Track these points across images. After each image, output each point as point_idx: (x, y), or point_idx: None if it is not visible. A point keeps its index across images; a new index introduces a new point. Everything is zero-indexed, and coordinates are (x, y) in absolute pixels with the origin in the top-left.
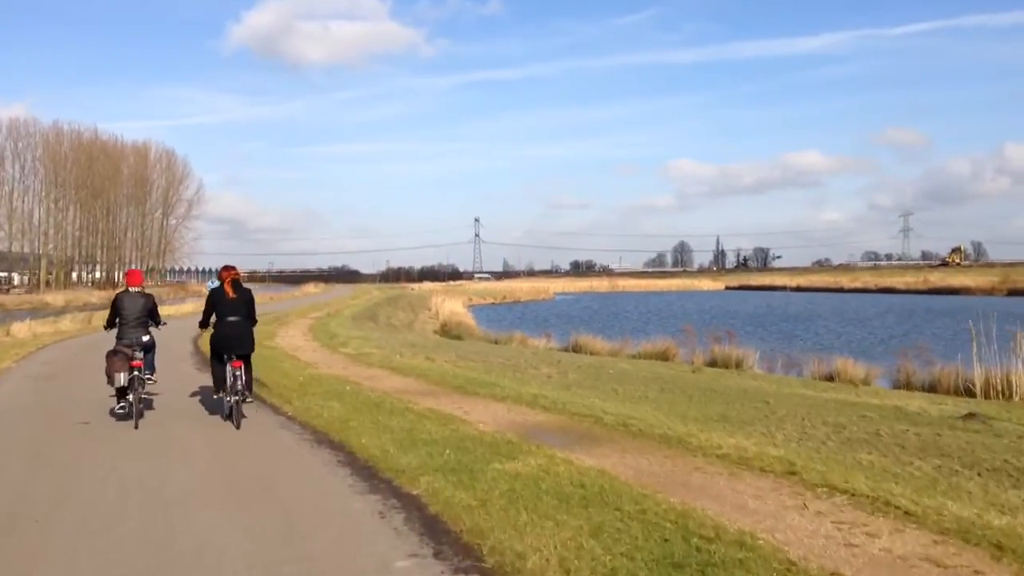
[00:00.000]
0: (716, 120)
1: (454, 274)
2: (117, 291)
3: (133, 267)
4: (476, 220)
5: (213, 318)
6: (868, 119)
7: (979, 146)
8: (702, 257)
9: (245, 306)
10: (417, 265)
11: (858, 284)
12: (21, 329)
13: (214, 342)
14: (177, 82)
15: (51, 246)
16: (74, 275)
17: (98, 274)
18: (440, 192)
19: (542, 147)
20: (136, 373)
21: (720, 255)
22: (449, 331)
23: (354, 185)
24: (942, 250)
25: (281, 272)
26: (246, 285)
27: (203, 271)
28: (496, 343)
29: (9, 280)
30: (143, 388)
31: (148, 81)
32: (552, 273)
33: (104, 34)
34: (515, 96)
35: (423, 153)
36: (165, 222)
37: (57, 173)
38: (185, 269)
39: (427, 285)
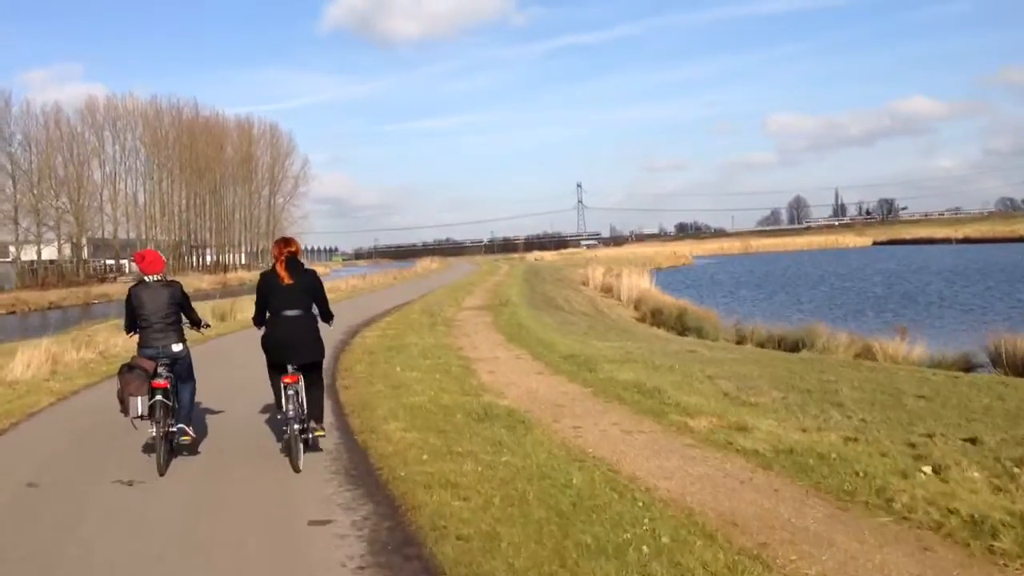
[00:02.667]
0: (815, 71)
1: (560, 241)
2: (131, 284)
3: (149, 248)
4: (578, 186)
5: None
6: (979, 60)
7: None
8: (818, 212)
9: (307, 295)
10: (520, 234)
11: None
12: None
13: (266, 348)
14: (275, 65)
15: (157, 230)
16: (193, 259)
17: (208, 258)
18: (537, 160)
19: (636, 109)
20: (159, 397)
21: (840, 209)
22: (664, 319)
23: (451, 158)
24: None
25: (387, 248)
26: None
27: (312, 251)
28: (805, 348)
29: (118, 267)
30: (171, 420)
31: (246, 65)
32: (661, 236)
33: (201, 20)
34: (606, 60)
35: (518, 123)
36: (272, 200)
37: (159, 152)
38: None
39: (540, 254)
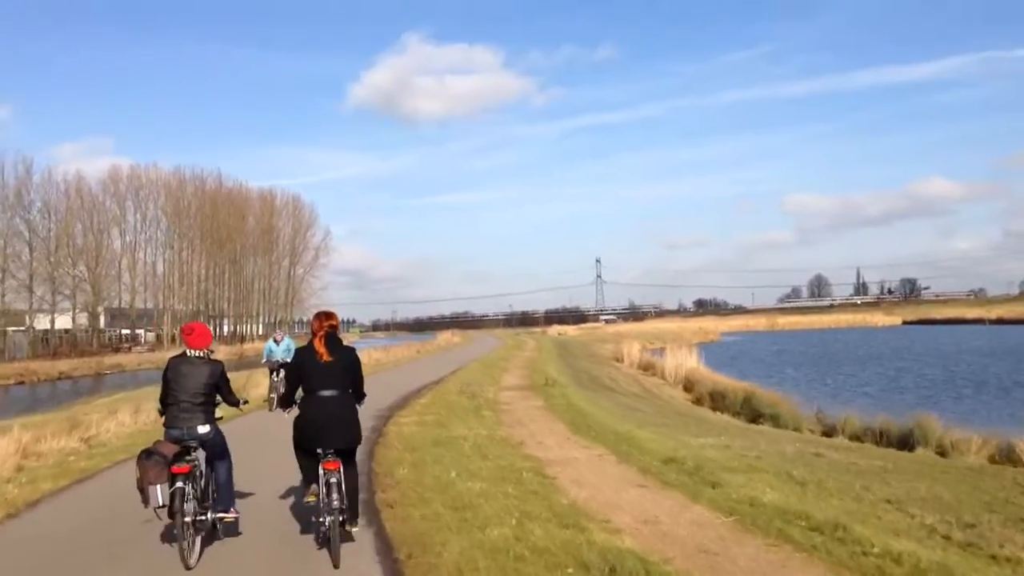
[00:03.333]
0: (834, 152)
1: (579, 316)
2: (171, 355)
3: (199, 321)
4: (597, 261)
5: (299, 393)
6: (995, 143)
7: None
8: (839, 291)
9: (347, 373)
10: (539, 308)
11: None
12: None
13: (298, 430)
14: (298, 142)
15: (175, 299)
16: (224, 328)
17: (226, 328)
18: (556, 235)
19: (656, 187)
20: (180, 484)
21: (862, 287)
22: (728, 404)
23: (470, 233)
24: None
25: (405, 320)
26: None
27: None
28: (919, 445)
29: (133, 337)
30: (195, 509)
31: (270, 143)
32: (681, 312)
33: (227, 100)
34: (626, 138)
35: (537, 198)
36: (292, 271)
37: (180, 222)
38: (307, 319)
39: (562, 328)
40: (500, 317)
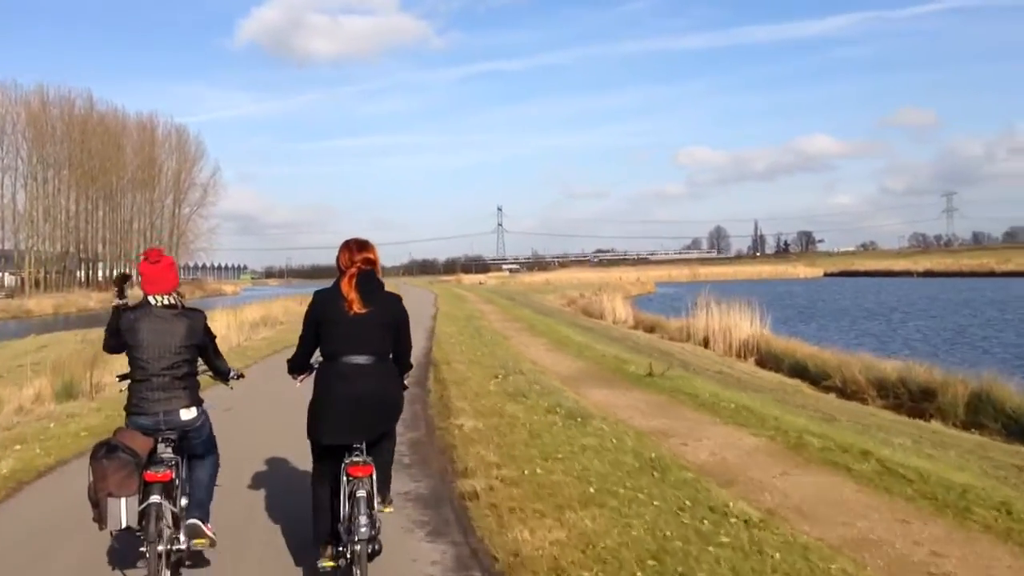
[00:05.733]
0: (726, 106)
1: (482, 265)
2: (119, 303)
3: (155, 249)
4: (499, 209)
5: (316, 356)
6: (879, 102)
7: (990, 127)
8: (736, 243)
9: (386, 332)
10: (439, 257)
11: (1011, 267)
12: None
13: (314, 413)
14: (186, 80)
15: (39, 239)
16: (79, 274)
17: (101, 272)
18: (455, 183)
19: (555, 136)
20: (156, 498)
21: (759, 240)
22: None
23: (369, 179)
24: (993, 231)
25: (301, 267)
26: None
27: (221, 267)
28: None
29: None
30: (177, 534)
31: (156, 79)
32: (586, 262)
33: (110, 35)
34: (527, 86)
35: (437, 145)
36: (177, 210)
37: (44, 148)
38: (200, 265)
39: (478, 277)
40: (400, 266)
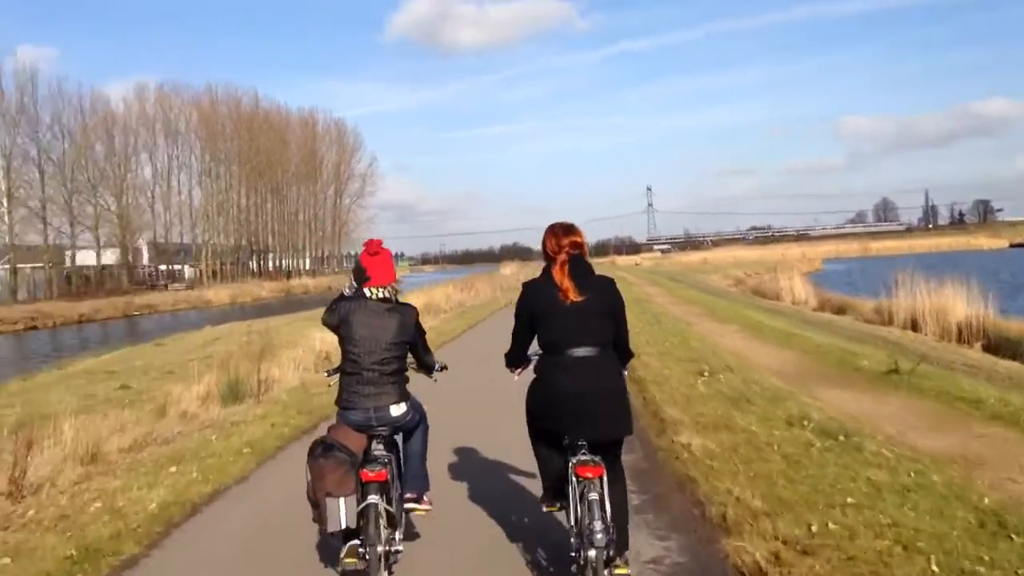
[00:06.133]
0: (887, 72)
1: (633, 246)
2: (338, 298)
3: (372, 238)
4: (648, 189)
5: (533, 347)
6: None
7: None
8: (905, 215)
9: (606, 320)
10: (590, 239)
11: None
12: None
13: (535, 408)
14: (340, 76)
15: (214, 232)
16: (252, 265)
17: (271, 263)
18: (601, 165)
19: (700, 113)
20: (374, 498)
21: (931, 210)
22: None
23: (513, 164)
24: None
25: (454, 253)
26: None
27: None
28: None
29: (171, 274)
30: (394, 533)
31: (308, 75)
32: (741, 240)
33: (264, 33)
34: (668, 63)
35: (580, 128)
36: (338, 201)
37: (215, 146)
38: (357, 254)
39: (632, 258)
40: None
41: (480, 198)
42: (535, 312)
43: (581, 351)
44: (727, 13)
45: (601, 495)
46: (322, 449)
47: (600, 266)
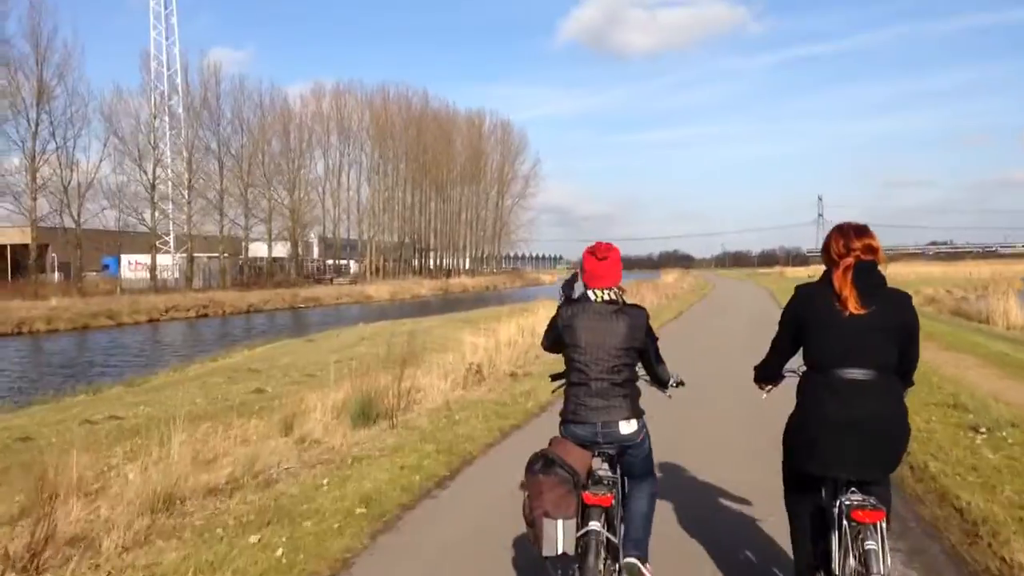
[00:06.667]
0: None
1: (801, 258)
2: (565, 303)
3: (603, 243)
4: (819, 199)
5: (791, 363)
6: None
7: None
8: None
9: (891, 338)
10: (752, 249)
11: None
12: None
13: (797, 442)
14: (506, 78)
15: (379, 229)
16: (414, 262)
17: (432, 261)
18: (769, 172)
19: (875, 122)
20: (596, 525)
21: None
22: None
23: (677, 170)
24: None
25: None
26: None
27: (539, 257)
28: None
29: (337, 268)
30: (615, 565)
31: (476, 80)
32: (920, 255)
33: (435, 39)
34: (842, 69)
35: (750, 134)
36: (500, 201)
37: (384, 144)
38: (520, 255)
39: (796, 270)
40: (711, 258)
41: (641, 204)
42: (805, 321)
43: (855, 372)
44: (907, 16)
45: (881, 546)
46: (543, 464)
47: (768, 276)
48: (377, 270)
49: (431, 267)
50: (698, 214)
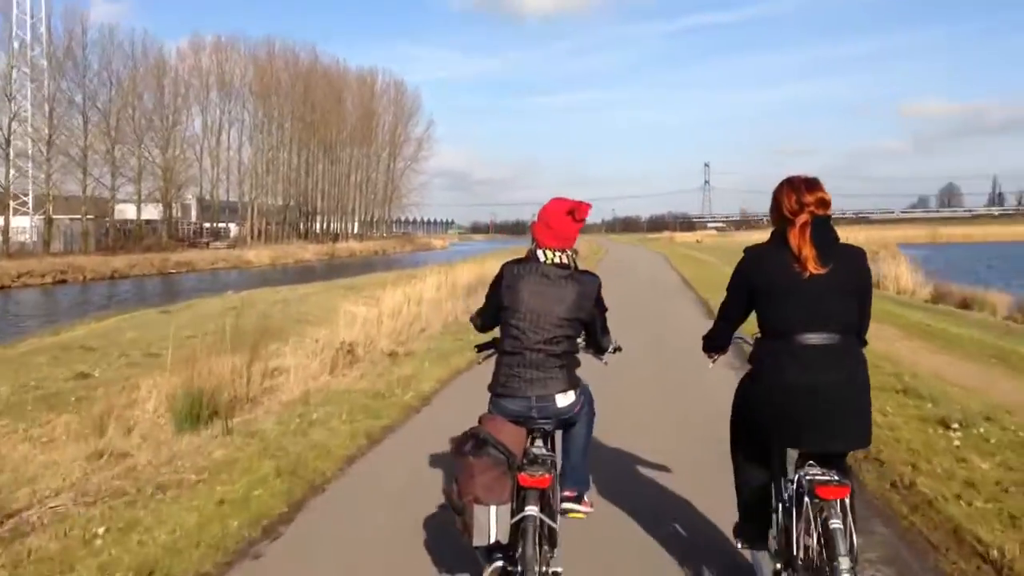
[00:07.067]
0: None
1: (687, 223)
2: (508, 262)
3: (583, 203)
4: (706, 166)
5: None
6: None
7: None
8: (969, 201)
9: (850, 299)
10: (643, 214)
11: None
12: None
13: (751, 406)
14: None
15: (262, 191)
16: (303, 227)
17: (318, 225)
18: (661, 139)
19: (764, 92)
20: (533, 509)
21: (997, 197)
22: None
23: (572, 135)
24: None
25: (504, 222)
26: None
27: (430, 222)
28: None
29: (215, 232)
30: (552, 551)
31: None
32: None
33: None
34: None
35: (643, 101)
36: (392, 164)
37: (269, 101)
38: (411, 219)
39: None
40: (601, 223)
41: (536, 169)
42: (758, 285)
43: (817, 337)
44: None
45: (847, 524)
46: (473, 444)
47: (658, 242)
48: (259, 234)
49: (318, 231)
50: (591, 179)
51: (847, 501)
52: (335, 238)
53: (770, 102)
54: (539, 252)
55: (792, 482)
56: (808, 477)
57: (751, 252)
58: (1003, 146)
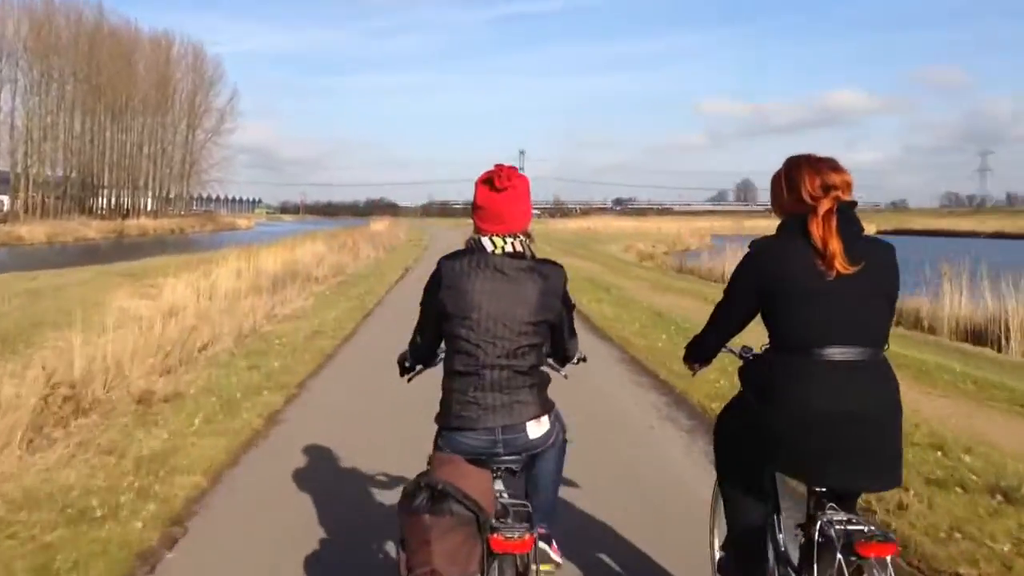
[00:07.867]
0: (749, 57)
1: None
2: (448, 256)
3: (504, 166)
4: (521, 153)
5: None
6: (905, 57)
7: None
8: (764, 195)
9: (883, 305)
10: (458, 199)
11: None
12: None
13: (756, 434)
14: (202, 9)
15: (38, 160)
16: (90, 202)
17: (104, 200)
18: (477, 124)
19: (576, 81)
20: None
21: None
22: None
23: (387, 116)
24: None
25: (316, 204)
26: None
27: (235, 200)
28: None
29: None
30: None
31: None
32: (608, 210)
33: None
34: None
35: (460, 85)
36: (191, 136)
37: (48, 60)
38: (213, 197)
39: None
40: (417, 207)
41: (347, 150)
42: (772, 288)
43: (845, 351)
44: None
45: None
46: (428, 498)
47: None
48: (35, 208)
49: (105, 207)
50: (406, 161)
51: (889, 560)
52: (125, 215)
53: (578, 94)
54: (485, 240)
55: (805, 526)
56: (839, 526)
57: (761, 246)
58: (790, 145)
